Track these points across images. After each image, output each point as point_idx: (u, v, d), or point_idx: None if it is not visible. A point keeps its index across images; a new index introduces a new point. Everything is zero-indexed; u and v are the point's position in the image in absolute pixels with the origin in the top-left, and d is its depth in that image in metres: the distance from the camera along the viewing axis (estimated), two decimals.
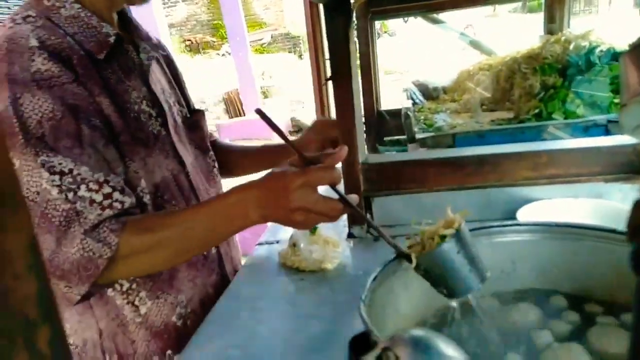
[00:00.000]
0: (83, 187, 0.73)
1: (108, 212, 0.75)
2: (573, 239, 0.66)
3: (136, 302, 0.88)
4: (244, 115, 9.23)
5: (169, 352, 0.90)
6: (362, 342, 0.50)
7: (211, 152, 1.10)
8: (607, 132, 1.15)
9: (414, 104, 1.83)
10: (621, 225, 0.74)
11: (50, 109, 0.73)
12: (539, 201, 1.04)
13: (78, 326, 0.86)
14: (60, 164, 0.72)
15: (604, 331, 0.58)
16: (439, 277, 0.59)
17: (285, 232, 1.16)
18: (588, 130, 1.16)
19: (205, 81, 9.85)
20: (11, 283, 0.13)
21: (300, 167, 0.72)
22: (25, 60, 0.74)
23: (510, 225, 0.70)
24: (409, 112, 1.30)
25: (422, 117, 1.54)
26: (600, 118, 1.16)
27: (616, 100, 1.16)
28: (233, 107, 9.83)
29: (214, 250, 1.01)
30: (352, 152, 1.11)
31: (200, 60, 13.16)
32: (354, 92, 1.07)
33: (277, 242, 1.18)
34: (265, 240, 1.20)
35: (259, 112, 0.77)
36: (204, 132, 1.09)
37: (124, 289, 0.87)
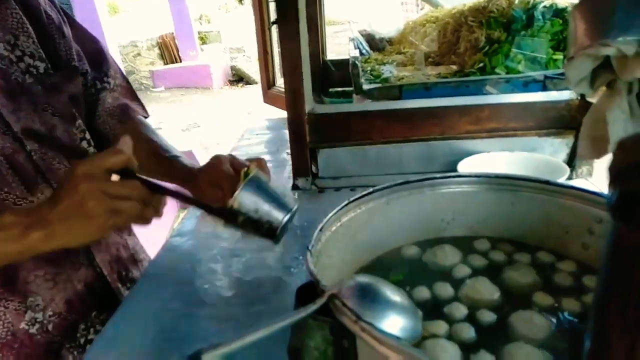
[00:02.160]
0: None
1: None
2: (510, 190, 0.69)
3: None
4: (180, 61, 8.79)
5: None
6: (309, 292, 0.49)
7: (79, 122, 0.86)
8: (544, 88, 1.20)
9: (361, 54, 1.79)
10: (552, 177, 0.78)
11: None
12: (478, 154, 1.07)
13: None
14: None
15: (517, 267, 0.62)
16: (256, 214, 0.67)
17: None
18: (527, 85, 1.20)
19: (138, 23, 9.17)
20: None
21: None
22: None
23: (452, 176, 0.71)
24: (356, 62, 1.28)
25: (369, 68, 1.51)
26: (539, 74, 1.20)
27: (555, 57, 1.20)
28: (168, 52, 9.30)
29: None
30: (299, 102, 1.08)
31: None
32: (301, 37, 1.02)
33: None
34: None
35: (127, 172, 0.61)
36: (68, 96, 0.84)
37: None
